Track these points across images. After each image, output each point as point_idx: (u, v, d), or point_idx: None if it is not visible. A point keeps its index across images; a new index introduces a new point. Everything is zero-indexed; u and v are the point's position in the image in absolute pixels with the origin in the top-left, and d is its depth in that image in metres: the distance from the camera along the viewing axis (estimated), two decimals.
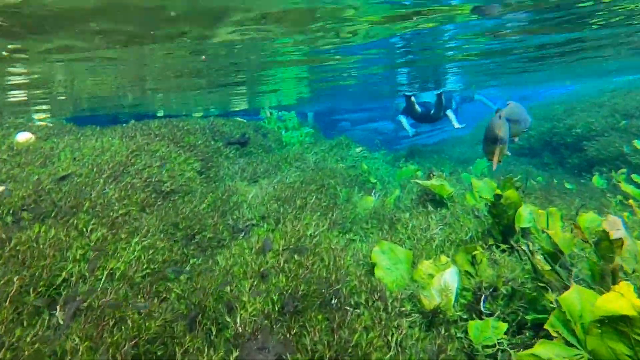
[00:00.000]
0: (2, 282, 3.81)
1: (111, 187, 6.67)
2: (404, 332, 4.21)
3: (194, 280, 4.74)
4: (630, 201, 7.21)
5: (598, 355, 3.32)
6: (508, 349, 4.18)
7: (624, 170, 12.15)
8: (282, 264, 5.04)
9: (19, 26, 6.82)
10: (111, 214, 5.84)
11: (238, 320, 3.94)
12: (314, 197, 8.28)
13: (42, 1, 5.76)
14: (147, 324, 3.64)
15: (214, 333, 3.94)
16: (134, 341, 3.49)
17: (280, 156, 12.10)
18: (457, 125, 16.92)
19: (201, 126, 12.47)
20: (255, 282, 4.59)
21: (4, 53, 8.28)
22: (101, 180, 6.73)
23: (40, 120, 14.13)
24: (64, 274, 4.29)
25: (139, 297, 4.27)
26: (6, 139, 8.56)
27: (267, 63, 12.77)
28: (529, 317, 4.53)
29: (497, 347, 4.25)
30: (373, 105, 39.33)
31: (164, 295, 4.50)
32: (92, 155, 7.66)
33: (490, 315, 4.70)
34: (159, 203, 6.86)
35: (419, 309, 4.88)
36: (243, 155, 12.49)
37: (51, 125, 10.72)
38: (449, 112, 17.23)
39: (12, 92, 13.72)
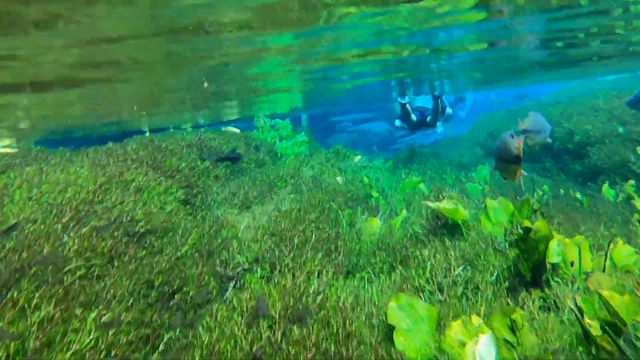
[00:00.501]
0: None
1: (72, 234, 5.57)
2: None
3: None
4: None
5: None
6: None
7: (632, 182, 11.31)
8: (279, 339, 3.97)
9: None
10: (66, 278, 4.73)
11: None
12: (314, 228, 7.22)
13: None
14: None
15: None
16: None
17: (275, 173, 11.01)
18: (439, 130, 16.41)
19: (187, 142, 11.35)
20: None
21: None
22: (59, 227, 5.62)
23: (3, 146, 12.95)
24: None
25: None
26: None
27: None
28: None
29: None
30: (368, 106, 38.29)
31: None
32: (53, 193, 6.55)
33: None
34: (130, 252, 5.75)
35: None
36: (234, 172, 11.39)
37: (15, 151, 9.58)
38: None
39: None
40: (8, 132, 17.36)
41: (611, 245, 5.65)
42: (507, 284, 5.60)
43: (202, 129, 13.69)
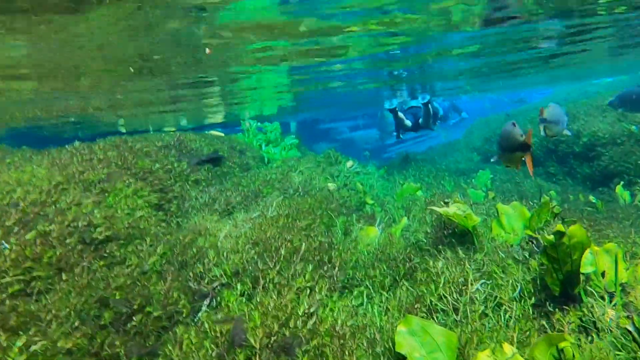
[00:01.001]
0: None
1: (13, 240, 4.61)
2: None
3: None
4: None
5: None
6: None
7: None
8: None
9: None
10: None
11: None
12: (304, 237, 6.30)
13: None
14: None
15: None
16: None
17: (261, 178, 10.08)
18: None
19: (165, 143, 10.40)
20: None
21: None
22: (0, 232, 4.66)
23: None
24: None
25: None
26: None
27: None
28: None
29: None
30: (358, 113, 37.55)
31: None
32: (0, 194, 5.58)
33: None
34: (84, 263, 4.78)
35: None
36: (216, 176, 10.44)
37: None
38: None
39: None
40: None
41: None
42: (532, 300, 4.75)
43: (180, 132, 12.76)
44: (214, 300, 4.85)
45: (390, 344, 3.92)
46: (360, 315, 4.70)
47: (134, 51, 8.86)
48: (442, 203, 8.91)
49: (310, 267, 5.01)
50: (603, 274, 4.76)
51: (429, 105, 15.62)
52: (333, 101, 23.25)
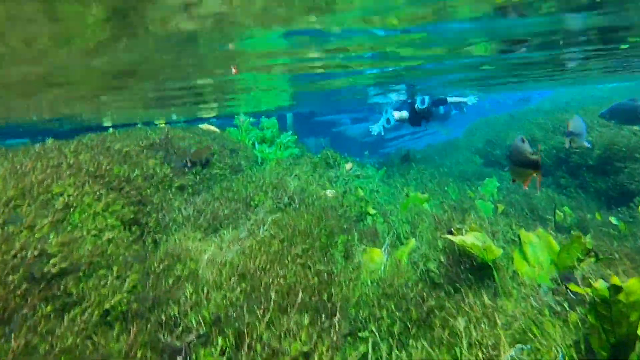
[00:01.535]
0: None
1: None
2: None
3: None
4: None
5: None
6: None
7: None
8: None
9: None
10: None
11: None
12: (300, 268, 5.38)
13: None
14: None
15: None
16: None
17: (254, 183, 9.14)
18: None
19: (150, 142, 9.44)
20: None
21: None
22: None
23: None
24: None
25: None
26: None
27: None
28: None
29: None
30: (356, 106, 36.56)
31: None
32: None
33: None
34: (26, 310, 3.84)
35: None
36: (204, 180, 9.50)
37: None
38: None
39: None
40: None
41: None
42: None
43: (168, 126, 11.74)
44: (188, 358, 3.93)
45: None
46: None
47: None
48: (455, 228, 8.06)
49: (306, 317, 4.08)
50: None
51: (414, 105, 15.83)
52: (332, 97, 22.35)
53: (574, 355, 4.00)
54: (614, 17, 7.81)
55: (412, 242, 7.05)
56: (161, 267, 5.36)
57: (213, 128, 13.96)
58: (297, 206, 8.17)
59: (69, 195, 5.72)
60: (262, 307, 4.29)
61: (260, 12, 5.76)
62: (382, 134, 16.52)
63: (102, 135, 9.22)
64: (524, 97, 36.69)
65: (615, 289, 3.72)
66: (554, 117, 16.59)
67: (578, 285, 5.14)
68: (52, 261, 4.40)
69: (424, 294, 5.14)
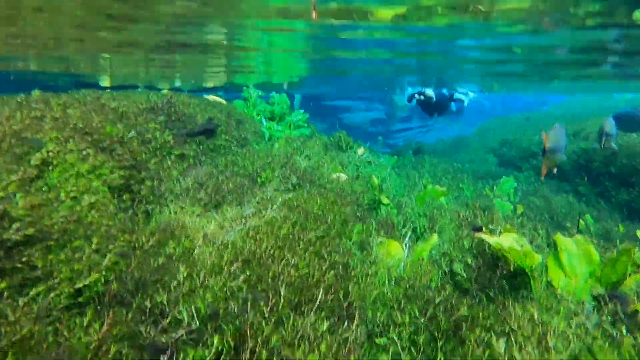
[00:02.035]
0: None
1: None
2: None
3: None
4: None
5: None
6: None
7: None
8: None
9: None
10: None
11: None
12: (314, 258, 4.59)
13: None
14: None
15: None
16: None
17: (262, 159, 8.33)
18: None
19: (151, 105, 8.59)
20: None
21: None
22: None
23: None
24: None
25: None
26: None
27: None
28: None
29: None
30: (369, 94, 35.65)
31: None
32: None
33: None
34: None
35: None
36: (208, 152, 8.67)
37: None
38: None
39: None
40: None
41: None
42: None
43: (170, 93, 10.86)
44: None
45: None
46: None
47: None
48: (474, 218, 7.28)
49: (325, 324, 3.28)
50: None
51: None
52: (346, 79, 21.53)
53: None
54: None
55: (434, 237, 6.25)
56: (151, 242, 4.56)
57: (219, 99, 13.09)
58: (309, 188, 7.36)
59: (48, 151, 4.91)
60: (270, 302, 3.49)
61: None
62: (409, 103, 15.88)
63: (98, 92, 8.37)
64: (540, 101, 35.79)
65: None
66: (572, 121, 15.72)
67: (626, 304, 4.38)
68: (14, 226, 3.58)
69: (453, 300, 4.32)
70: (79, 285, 3.63)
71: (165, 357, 3.14)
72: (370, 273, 4.99)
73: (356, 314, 3.85)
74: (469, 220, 7.19)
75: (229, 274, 4.04)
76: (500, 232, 5.60)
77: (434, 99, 15.01)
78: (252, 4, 8.20)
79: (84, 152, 5.21)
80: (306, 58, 15.50)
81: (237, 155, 8.56)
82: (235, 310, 3.44)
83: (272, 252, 4.44)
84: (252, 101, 13.06)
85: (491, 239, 5.05)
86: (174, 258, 4.41)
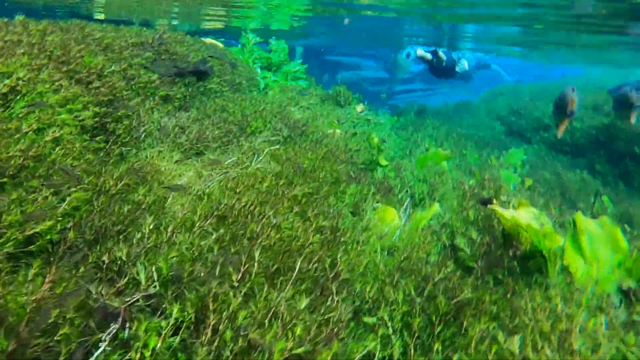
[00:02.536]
0: None
1: None
2: None
3: None
4: None
5: None
6: None
7: None
8: None
9: None
10: None
11: None
12: (298, 218, 4.12)
13: None
14: None
15: None
16: None
17: (254, 106, 7.79)
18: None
19: (140, 40, 7.97)
20: None
21: None
22: None
23: None
24: None
25: None
26: None
27: None
28: None
29: None
30: (371, 52, 34.71)
31: None
32: None
33: None
34: None
35: None
36: (197, 95, 8.11)
37: None
38: None
39: None
40: None
41: None
42: None
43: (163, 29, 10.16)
44: (126, 329, 2.68)
45: None
46: None
47: None
48: (481, 187, 6.80)
49: (305, 300, 2.82)
50: None
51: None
52: (350, 30, 20.62)
53: None
54: None
55: (436, 206, 5.78)
56: (118, 186, 4.07)
57: (216, 42, 12.42)
58: (300, 141, 6.85)
59: (18, 79, 4.36)
60: (242, 268, 3.02)
61: None
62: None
63: (85, 22, 7.73)
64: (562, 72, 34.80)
65: None
66: (594, 93, 14.87)
67: None
68: None
69: (454, 279, 3.86)
70: (30, 231, 3.16)
71: (116, 325, 2.69)
72: (362, 240, 4.54)
73: (344, 290, 3.40)
74: (474, 190, 6.71)
75: (200, 231, 3.57)
76: (514, 206, 5.11)
77: (445, 62, 14.48)
78: None
79: (57, 84, 4.66)
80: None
81: (227, 101, 8.00)
82: (202, 275, 2.97)
83: (251, 208, 3.96)
84: (249, 47, 12.38)
85: (506, 213, 4.57)
86: (143, 207, 3.93)
